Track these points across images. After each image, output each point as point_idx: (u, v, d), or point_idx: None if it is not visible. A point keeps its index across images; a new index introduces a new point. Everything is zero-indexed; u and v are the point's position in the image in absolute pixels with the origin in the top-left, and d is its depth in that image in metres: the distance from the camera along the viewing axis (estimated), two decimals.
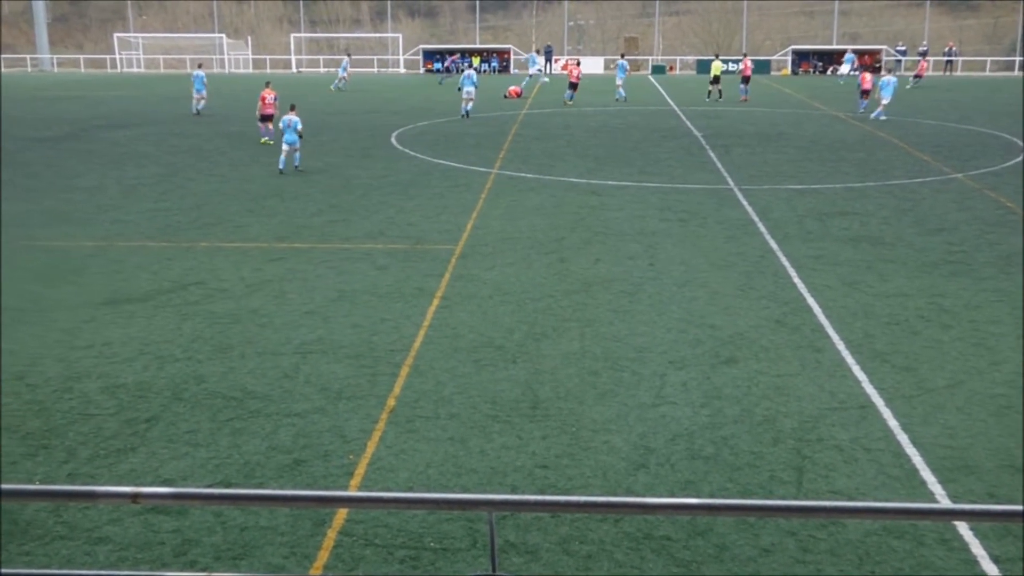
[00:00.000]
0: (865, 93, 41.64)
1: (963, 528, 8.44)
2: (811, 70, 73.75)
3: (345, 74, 57.78)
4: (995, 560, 8.01)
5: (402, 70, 79.57)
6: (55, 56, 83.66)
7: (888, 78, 39.69)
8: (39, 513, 8.67)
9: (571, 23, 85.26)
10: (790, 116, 42.54)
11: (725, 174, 26.73)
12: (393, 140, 34.09)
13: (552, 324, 14.08)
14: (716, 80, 49.30)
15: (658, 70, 75.52)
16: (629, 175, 26.57)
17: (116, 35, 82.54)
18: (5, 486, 4.35)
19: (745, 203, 22.61)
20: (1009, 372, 12.19)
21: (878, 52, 73.44)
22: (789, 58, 74.40)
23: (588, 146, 32.03)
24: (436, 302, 15.09)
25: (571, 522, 8.54)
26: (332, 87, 55.73)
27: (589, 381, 11.97)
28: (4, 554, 8.05)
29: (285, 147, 26.71)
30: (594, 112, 44.03)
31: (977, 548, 8.17)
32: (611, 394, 11.58)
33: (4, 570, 4.51)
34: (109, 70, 79.79)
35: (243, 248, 18.53)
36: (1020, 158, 29.46)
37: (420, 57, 78.46)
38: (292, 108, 27.00)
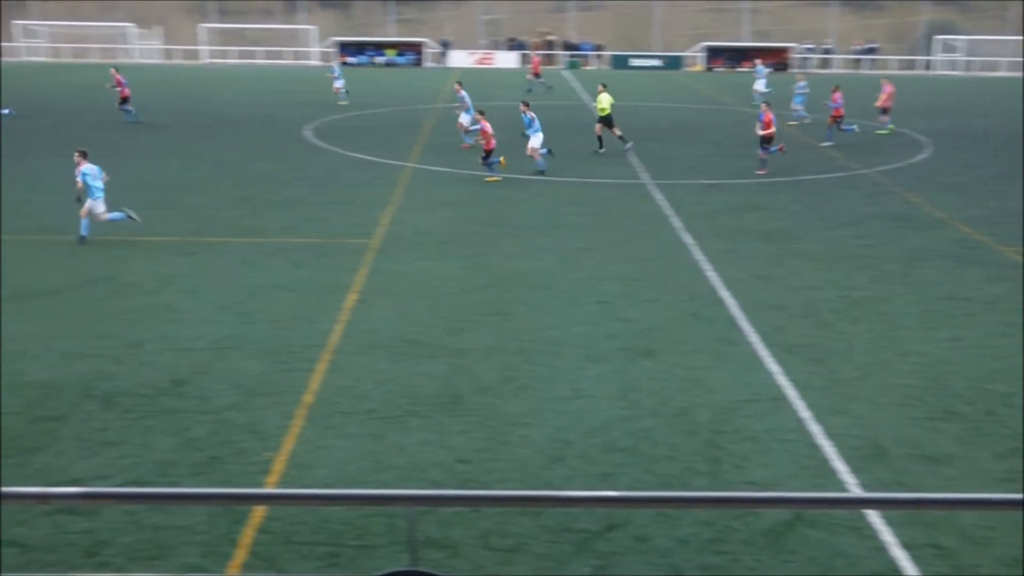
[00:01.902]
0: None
1: (873, 516, 8.65)
2: (722, 67, 74.80)
3: (340, 84, 44.84)
4: (905, 547, 8.22)
5: (316, 62, 78.71)
6: None
7: (799, 83, 37.98)
8: None
9: (486, 16, 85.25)
10: (703, 112, 43.12)
11: (638, 169, 26.97)
12: (306, 133, 33.71)
13: (469, 319, 14.07)
14: (607, 121, 30.01)
15: (573, 65, 75.91)
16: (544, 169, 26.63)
17: (15, 22, 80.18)
18: None
19: (658, 197, 22.86)
20: (915, 363, 12.53)
21: (787, 50, 74.78)
22: (703, 54, 75.31)
23: (502, 141, 32.06)
24: (352, 297, 14.97)
25: (491, 516, 8.55)
26: (342, 100, 43.89)
27: (506, 375, 11.99)
28: None
29: (96, 206, 18.48)
30: (508, 107, 44.07)
31: (887, 535, 8.38)
32: (528, 388, 11.61)
33: None
34: (9, 59, 77.46)
35: (154, 242, 18.16)
36: (926, 155, 30.29)
37: (334, 49, 77.74)
38: (83, 155, 18.76)
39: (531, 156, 25.93)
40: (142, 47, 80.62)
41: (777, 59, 71.89)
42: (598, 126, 30.25)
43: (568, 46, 79.76)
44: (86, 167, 18.37)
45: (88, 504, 8.43)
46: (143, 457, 9.71)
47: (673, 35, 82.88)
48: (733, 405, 11.16)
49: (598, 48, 79.60)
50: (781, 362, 12.46)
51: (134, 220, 18.59)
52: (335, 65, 46.35)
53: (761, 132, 26.08)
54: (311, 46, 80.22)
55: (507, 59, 76.94)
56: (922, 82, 61.69)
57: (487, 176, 25.02)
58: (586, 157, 28.93)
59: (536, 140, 25.97)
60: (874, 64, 76.05)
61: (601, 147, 29.78)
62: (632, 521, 8.53)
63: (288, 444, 10.05)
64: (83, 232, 18.18)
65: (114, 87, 36.35)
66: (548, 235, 19.13)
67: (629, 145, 29.72)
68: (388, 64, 75.32)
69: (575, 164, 27.55)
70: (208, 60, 79.07)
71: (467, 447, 10.06)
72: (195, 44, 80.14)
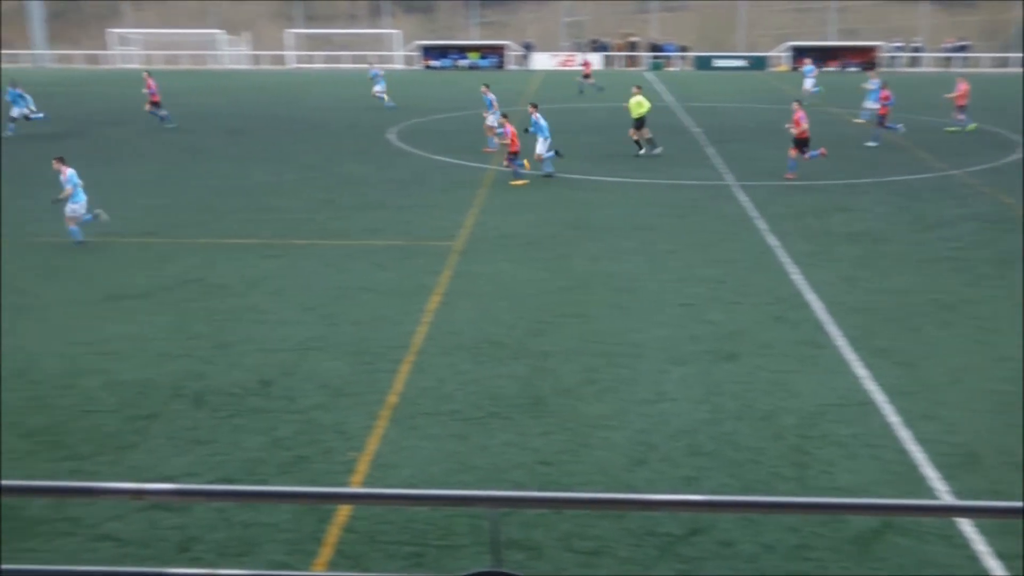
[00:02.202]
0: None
1: (965, 524, 8.45)
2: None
3: (380, 88, 44.07)
4: (999, 556, 8.02)
5: (400, 66, 79.47)
6: (52, 52, 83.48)
7: (872, 81, 35.87)
8: (42, 509, 8.67)
9: (568, 18, 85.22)
10: (787, 113, 42.49)
11: (722, 170, 26.72)
12: (390, 137, 34.05)
13: (551, 320, 14.08)
14: (639, 123, 29.52)
15: (656, 66, 75.50)
16: (627, 171, 26.56)
17: (111, 31, 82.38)
18: (7, 482, 4.35)
19: (742, 199, 22.62)
20: (1010, 368, 12.20)
21: (874, 49, 73.41)
22: (788, 54, 74.30)
23: (586, 143, 32.00)
24: (436, 299, 15.08)
25: (573, 518, 8.55)
26: (387, 105, 43.28)
27: (588, 377, 11.97)
28: (6, 551, 8.04)
29: (78, 209, 18.64)
30: (591, 108, 44.02)
31: (979, 544, 8.18)
32: (610, 390, 11.58)
33: (4, 566, 4.49)
34: (105, 66, 79.63)
35: (241, 244, 18.51)
36: (1018, 155, 29.50)
37: (417, 53, 78.39)
38: (61, 160, 18.86)
39: (537, 160, 25.77)
40: (231, 53, 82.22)
41: (864, 58, 70.65)
42: (631, 130, 29.76)
43: (652, 47, 79.35)
44: (69, 172, 18.54)
45: (180, 500, 8.65)
46: (232, 455, 9.90)
47: (758, 35, 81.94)
48: (819, 409, 11.00)
49: (682, 49, 79.06)
50: (869, 366, 12.24)
51: (101, 219, 18.83)
52: (376, 68, 46.16)
53: (794, 132, 25.22)
54: (395, 50, 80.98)
55: (590, 61, 76.78)
56: (1015, 81, 60.04)
57: (512, 180, 24.92)
58: (668, 159, 28.74)
59: (542, 145, 25.83)
60: (965, 62, 74.21)
61: (643, 149, 29.37)
62: (716, 526, 8.46)
63: (372, 444, 10.17)
64: (79, 238, 18.48)
65: (146, 91, 37.07)
66: (631, 237, 19.06)
67: (659, 149, 29.30)
68: (471, 67, 75.73)
69: (658, 166, 27.39)
70: (294, 65, 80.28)
71: (549, 449, 10.07)
72: (281, 49, 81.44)
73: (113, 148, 31.47)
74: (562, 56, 77.07)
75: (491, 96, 31.76)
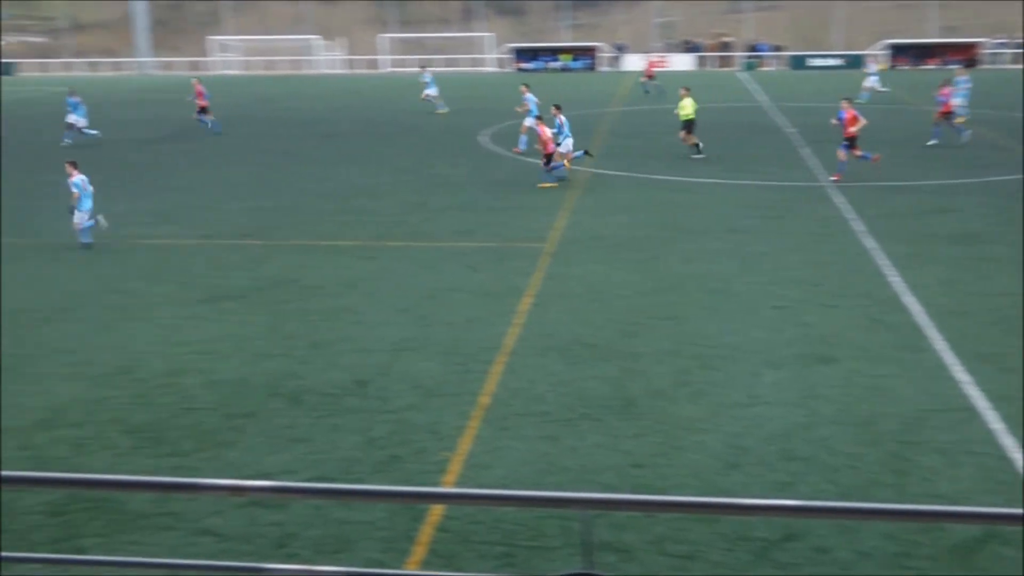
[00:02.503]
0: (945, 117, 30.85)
1: None
2: (907, 65, 72.09)
3: (433, 92, 44.57)
4: None
5: (492, 68, 79.84)
6: (156, 60, 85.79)
7: (960, 79, 34.95)
8: (145, 504, 8.92)
9: (660, 19, 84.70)
10: (884, 112, 41.67)
11: (816, 171, 26.29)
12: (481, 139, 34.25)
13: (642, 322, 14.02)
14: (688, 126, 29.26)
15: (749, 66, 74.62)
16: (718, 172, 26.32)
17: (211, 38, 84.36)
18: (116, 477, 4.50)
19: (838, 200, 22.23)
20: None
21: (976, 46, 71.48)
22: (886, 52, 72.77)
23: (675, 144, 31.80)
24: (527, 300, 15.13)
25: (665, 522, 8.50)
26: (441, 109, 43.94)
27: (681, 380, 11.89)
28: (113, 544, 8.30)
29: (84, 216, 18.88)
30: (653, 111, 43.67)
31: None
32: (703, 393, 11.49)
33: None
34: (205, 72, 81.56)
35: (336, 246, 18.80)
36: None
37: (509, 56, 78.67)
38: (73, 165, 19.10)
39: (567, 160, 25.52)
40: (326, 58, 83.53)
41: (966, 55, 68.83)
42: (682, 133, 29.32)
43: (746, 47, 78.45)
44: (77, 178, 18.77)
45: (278, 497, 8.81)
46: (328, 454, 10.06)
47: (854, 33, 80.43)
48: (919, 415, 10.76)
49: (776, 48, 78.02)
50: (971, 371, 11.93)
51: (100, 225, 18.96)
52: (426, 72, 46.30)
53: (851, 129, 24.50)
54: (487, 53, 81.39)
55: (682, 62, 76.30)
56: None
57: (541, 183, 24.77)
58: (761, 159, 28.40)
59: (567, 146, 25.65)
60: None
61: (699, 151, 28.89)
62: (812, 532, 8.34)
63: (465, 444, 10.24)
64: (86, 239, 18.76)
65: (194, 98, 37.17)
66: (724, 239, 18.88)
67: (701, 156, 28.68)
68: (563, 69, 75.82)
69: (750, 167, 27.09)
70: (388, 69, 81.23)
71: (641, 451, 10.04)
72: (375, 54, 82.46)
73: (211, 151, 32.25)
74: (654, 57, 76.70)
75: (530, 95, 31.73)
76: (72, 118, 33.26)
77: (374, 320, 14.35)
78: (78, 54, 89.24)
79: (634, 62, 75.31)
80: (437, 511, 8.74)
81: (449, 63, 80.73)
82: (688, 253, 17.87)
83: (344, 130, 37.85)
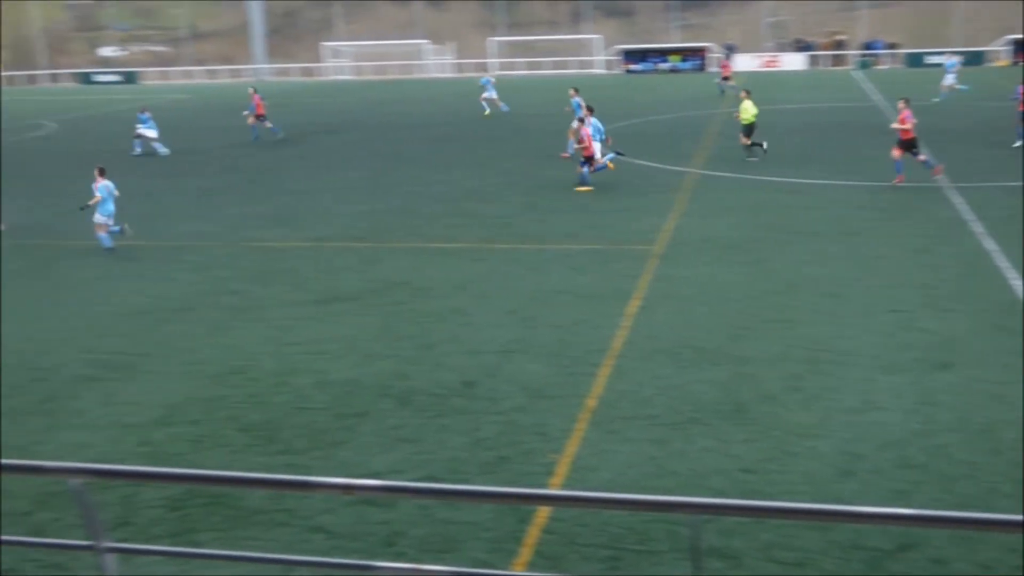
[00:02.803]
0: None
1: None
2: None
3: (493, 95, 45.17)
4: None
5: (601, 71, 79.65)
6: (271, 66, 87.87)
7: None
8: (261, 500, 9.13)
9: (771, 19, 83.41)
10: (1009, 110, 40.29)
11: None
12: None
13: (753, 325, 13.82)
14: (748, 130, 28.67)
15: (864, 65, 72.95)
16: (830, 173, 25.79)
17: (324, 44, 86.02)
18: (232, 474, 4.61)
19: (957, 201, 21.58)
20: None
21: None
22: (1008, 48, 70.34)
23: (788, 145, 31.28)
24: (635, 302, 15.04)
25: (775, 528, 8.36)
26: (495, 109, 44.64)
27: (792, 384, 11.68)
28: (229, 539, 8.52)
29: (103, 218, 19.50)
30: (794, 110, 42.98)
31: None
32: (816, 398, 11.27)
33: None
34: (319, 78, 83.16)
35: (446, 248, 18.98)
36: None
37: (618, 57, 78.38)
38: (101, 172, 19.79)
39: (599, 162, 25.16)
40: (436, 62, 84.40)
41: None
42: (742, 136, 28.73)
43: (860, 45, 76.77)
44: (102, 184, 19.41)
45: (387, 496, 8.93)
46: (436, 454, 10.16)
47: (975, 29, 77.96)
48: None
49: (891, 46, 76.14)
50: None
51: (126, 233, 19.56)
52: (487, 76, 46.84)
53: (903, 131, 23.52)
54: (596, 55, 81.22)
55: (794, 61, 74.97)
56: None
57: (578, 187, 24.51)
58: (876, 161, 27.70)
59: (599, 150, 25.32)
60: None
61: (756, 153, 28.32)
62: (928, 542, 8.11)
63: (572, 447, 10.24)
64: (108, 244, 19.32)
65: (252, 110, 37.88)
66: (837, 241, 18.49)
67: (756, 159, 28.03)
68: (672, 70, 75.22)
69: (864, 168, 26.46)
70: (497, 72, 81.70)
71: (751, 456, 9.89)
72: (484, 57, 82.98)
73: (324, 155, 32.89)
74: (765, 57, 75.55)
75: (578, 99, 31.48)
76: (142, 129, 34.82)
77: (482, 322, 14.44)
78: (197, 62, 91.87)
79: (745, 62, 74.24)
80: (543, 513, 8.75)
81: (557, 65, 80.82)
82: (800, 255, 17.55)
83: (453, 133, 38.21)
